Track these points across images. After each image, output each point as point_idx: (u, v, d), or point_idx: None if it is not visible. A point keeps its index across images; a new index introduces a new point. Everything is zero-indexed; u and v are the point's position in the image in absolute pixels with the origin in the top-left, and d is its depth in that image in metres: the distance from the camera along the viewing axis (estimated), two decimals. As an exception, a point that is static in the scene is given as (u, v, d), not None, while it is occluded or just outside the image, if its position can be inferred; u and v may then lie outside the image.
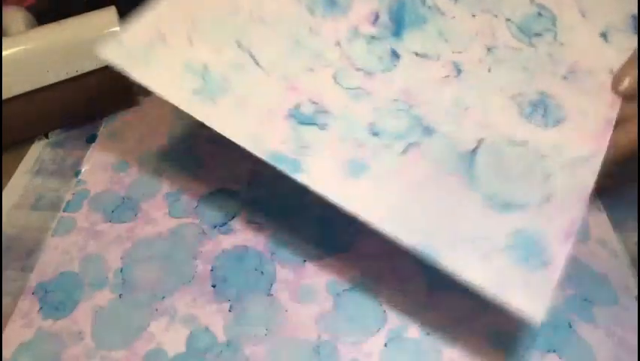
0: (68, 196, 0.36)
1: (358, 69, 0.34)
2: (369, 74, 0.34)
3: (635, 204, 0.36)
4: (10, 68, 0.35)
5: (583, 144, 0.30)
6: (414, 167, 0.30)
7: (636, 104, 0.31)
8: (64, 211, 0.35)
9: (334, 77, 0.33)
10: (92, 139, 0.40)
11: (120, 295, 0.31)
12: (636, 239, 0.34)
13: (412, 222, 0.27)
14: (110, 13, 0.38)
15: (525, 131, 0.31)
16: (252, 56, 0.33)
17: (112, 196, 0.36)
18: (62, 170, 0.38)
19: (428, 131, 0.31)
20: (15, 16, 0.39)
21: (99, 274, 0.32)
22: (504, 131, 0.31)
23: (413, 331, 0.30)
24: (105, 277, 0.32)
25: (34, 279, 0.32)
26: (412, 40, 0.35)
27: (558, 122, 0.32)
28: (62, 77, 0.37)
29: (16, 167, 0.38)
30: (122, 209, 0.35)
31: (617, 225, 0.35)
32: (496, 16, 0.36)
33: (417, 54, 0.35)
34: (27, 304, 0.31)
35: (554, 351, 0.29)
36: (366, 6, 0.36)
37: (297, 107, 0.31)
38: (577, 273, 0.32)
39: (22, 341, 0.29)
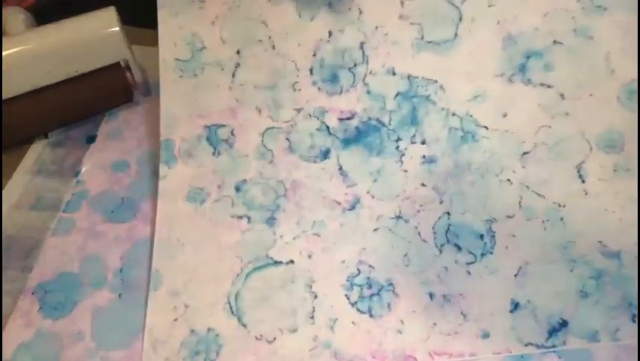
0: (68, 196, 0.36)
1: (287, 140, 0.34)
2: (289, 150, 0.34)
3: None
4: (10, 68, 0.35)
5: (350, 346, 0.29)
6: (213, 225, 0.33)
7: None
8: (63, 211, 0.35)
9: (264, 131, 0.35)
10: (91, 139, 0.40)
11: (120, 295, 0.31)
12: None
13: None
14: (110, 13, 0.38)
15: (337, 302, 0.30)
16: (239, 58, 0.35)
17: (112, 196, 0.36)
18: (62, 170, 0.38)
19: (270, 221, 0.33)
20: (15, 16, 0.39)
21: (99, 274, 0.32)
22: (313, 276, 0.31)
23: (413, 331, 0.30)
24: (105, 277, 0.32)
25: (34, 279, 0.32)
26: (349, 158, 0.34)
27: (375, 314, 0.30)
28: (62, 77, 0.37)
29: (16, 167, 0.38)
30: (121, 209, 0.35)
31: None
32: (441, 202, 0.33)
33: (340, 168, 0.34)
34: (27, 304, 0.31)
35: (554, 351, 0.29)
36: (354, 103, 0.34)
37: (218, 126, 0.35)
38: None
39: (22, 341, 0.29)
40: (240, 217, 0.33)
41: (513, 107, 0.33)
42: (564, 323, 0.29)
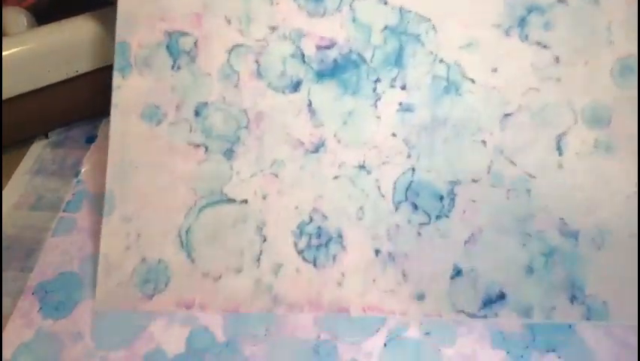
0: (68, 196, 0.36)
1: (256, 62, 0.32)
2: (257, 75, 0.32)
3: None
4: (10, 68, 0.35)
5: (290, 293, 0.30)
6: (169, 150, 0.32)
7: None
8: (64, 211, 0.35)
9: (231, 48, 0.32)
10: (91, 139, 0.40)
11: (120, 295, 0.31)
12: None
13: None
14: (110, 13, 0.38)
15: (284, 248, 0.30)
16: None
17: (112, 196, 0.36)
18: (62, 170, 0.38)
19: (228, 154, 0.32)
20: (15, 16, 0.39)
21: (99, 274, 0.32)
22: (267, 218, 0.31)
23: (413, 331, 0.30)
24: (105, 277, 0.32)
25: (34, 279, 0.32)
26: (320, 94, 0.32)
27: (319, 265, 0.30)
28: (62, 77, 0.37)
29: (16, 167, 0.38)
30: (122, 209, 0.35)
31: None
32: (409, 156, 0.31)
33: (309, 105, 0.32)
34: (27, 304, 0.31)
35: (554, 351, 0.29)
36: (337, 30, 0.32)
37: (181, 34, 0.32)
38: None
39: (22, 341, 0.29)
40: (198, 146, 0.32)
41: (505, 62, 0.31)
42: (502, 296, 0.29)
